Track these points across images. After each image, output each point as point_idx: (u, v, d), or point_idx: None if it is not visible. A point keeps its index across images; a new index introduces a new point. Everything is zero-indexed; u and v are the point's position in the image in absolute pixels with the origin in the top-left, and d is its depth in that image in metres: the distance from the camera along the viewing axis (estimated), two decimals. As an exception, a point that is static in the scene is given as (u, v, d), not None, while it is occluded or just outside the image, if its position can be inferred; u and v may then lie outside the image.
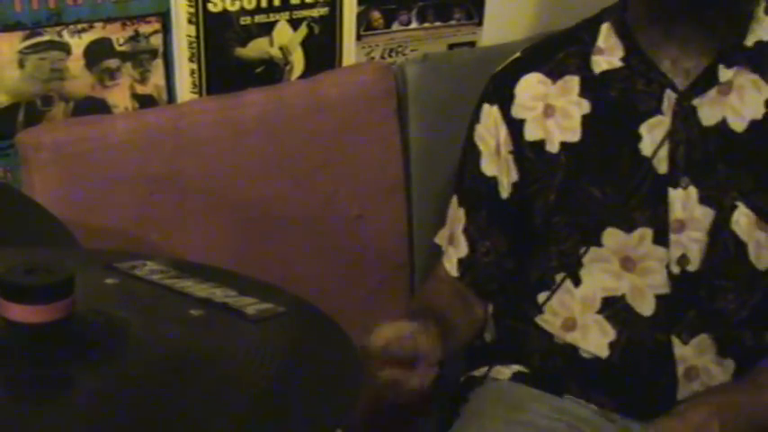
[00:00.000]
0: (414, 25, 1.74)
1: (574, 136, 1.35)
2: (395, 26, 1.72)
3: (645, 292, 1.33)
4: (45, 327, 0.68)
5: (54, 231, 1.05)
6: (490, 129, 1.42)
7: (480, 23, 1.82)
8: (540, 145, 1.37)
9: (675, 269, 1.31)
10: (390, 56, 1.74)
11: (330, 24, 1.64)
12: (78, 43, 1.42)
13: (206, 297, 0.79)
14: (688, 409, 1.27)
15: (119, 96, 1.49)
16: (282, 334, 0.76)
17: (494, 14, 1.81)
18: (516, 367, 1.44)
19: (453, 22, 1.79)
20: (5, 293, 0.69)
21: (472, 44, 1.82)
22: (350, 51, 1.68)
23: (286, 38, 1.60)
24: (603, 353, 1.35)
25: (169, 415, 0.65)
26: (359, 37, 1.69)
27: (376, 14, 1.70)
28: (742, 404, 1.29)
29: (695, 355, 1.33)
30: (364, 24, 1.69)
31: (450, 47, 1.80)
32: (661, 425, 1.25)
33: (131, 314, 0.74)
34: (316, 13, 1.62)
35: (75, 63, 1.43)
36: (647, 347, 1.33)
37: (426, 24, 1.76)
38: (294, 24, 1.60)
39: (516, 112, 1.39)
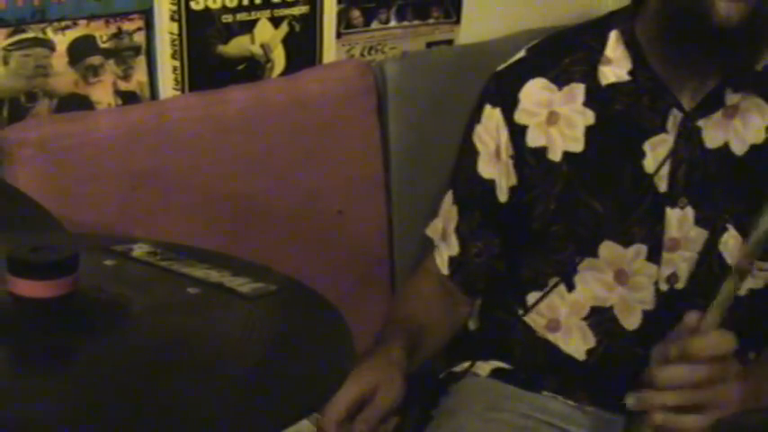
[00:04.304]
0: (393, 23, 1.77)
1: (577, 146, 1.34)
2: (374, 24, 1.74)
3: (633, 306, 1.34)
4: (50, 302, 0.71)
5: (44, 221, 1.07)
6: (491, 131, 1.40)
7: (458, 22, 1.84)
8: (541, 152, 1.36)
9: (664, 286, 1.32)
10: (370, 53, 1.76)
11: (311, 22, 1.66)
12: (62, 40, 1.43)
13: (202, 277, 0.81)
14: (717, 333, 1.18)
15: (102, 93, 1.50)
16: (276, 311, 0.79)
17: (471, 13, 1.83)
18: (496, 363, 1.45)
19: (432, 21, 1.81)
20: (13, 269, 0.71)
21: (450, 42, 1.84)
22: (330, 49, 1.70)
23: (267, 35, 1.62)
24: (581, 357, 1.37)
25: (167, 387, 0.68)
26: (339, 35, 1.71)
27: (356, 13, 1.72)
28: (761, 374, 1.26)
29: None
30: (344, 22, 1.70)
31: (429, 45, 1.82)
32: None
33: (131, 292, 0.77)
34: (296, 11, 1.64)
35: (59, 60, 1.44)
36: (623, 359, 1.35)
37: (405, 23, 1.78)
38: (275, 22, 1.62)
39: (520, 117, 1.37)
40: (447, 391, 1.46)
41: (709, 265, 1.31)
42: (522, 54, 1.43)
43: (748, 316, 1.33)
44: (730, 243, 1.30)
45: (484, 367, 1.46)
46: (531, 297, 1.40)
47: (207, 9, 1.54)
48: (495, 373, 1.45)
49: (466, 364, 1.46)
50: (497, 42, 1.75)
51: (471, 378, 1.46)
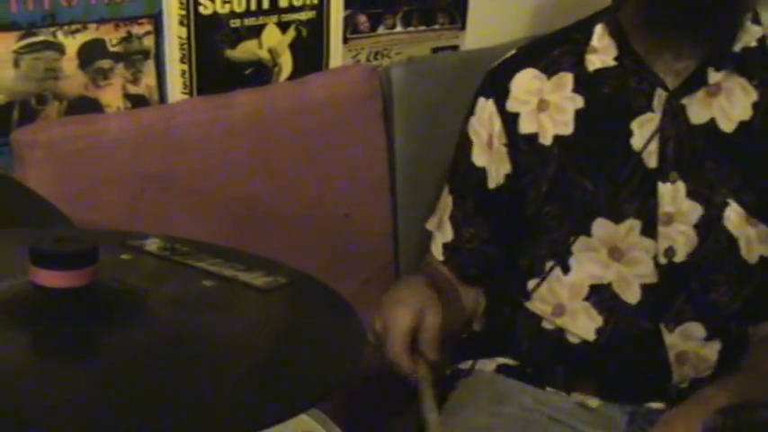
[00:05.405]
0: (399, 29, 1.78)
1: (567, 129, 1.39)
2: (380, 30, 1.76)
3: (631, 281, 1.37)
4: (71, 292, 0.73)
5: (58, 219, 1.09)
6: (484, 121, 1.46)
7: (463, 28, 1.86)
8: (533, 138, 1.41)
9: (663, 260, 1.35)
10: (376, 59, 1.77)
11: (317, 27, 1.68)
12: (72, 44, 1.45)
13: (216, 270, 0.83)
14: (711, 394, 1.27)
15: (111, 96, 1.51)
16: (289, 303, 0.81)
17: (476, 19, 1.85)
18: (501, 360, 1.47)
19: (437, 27, 1.83)
20: (35, 260, 0.73)
21: (455, 48, 1.86)
22: (336, 54, 1.72)
23: (274, 40, 1.64)
24: (591, 337, 1.39)
25: (183, 376, 0.69)
26: (345, 40, 1.72)
27: (362, 18, 1.73)
28: (762, 390, 1.29)
29: (682, 342, 1.37)
30: (350, 28, 1.72)
31: (434, 50, 1.84)
32: (683, 410, 1.25)
33: (148, 284, 0.78)
34: (303, 16, 1.65)
35: (69, 63, 1.46)
36: (633, 334, 1.37)
37: (411, 28, 1.80)
38: (282, 27, 1.64)
39: (511, 105, 1.43)
40: (453, 386, 1.49)
41: (716, 239, 1.34)
42: (512, 52, 1.50)
43: (757, 284, 1.37)
44: (733, 217, 1.34)
45: (488, 364, 1.48)
46: (531, 284, 1.43)
47: (215, 14, 1.55)
48: (500, 369, 1.47)
49: (470, 362, 1.48)
50: (502, 48, 1.76)
51: (477, 374, 1.48)
